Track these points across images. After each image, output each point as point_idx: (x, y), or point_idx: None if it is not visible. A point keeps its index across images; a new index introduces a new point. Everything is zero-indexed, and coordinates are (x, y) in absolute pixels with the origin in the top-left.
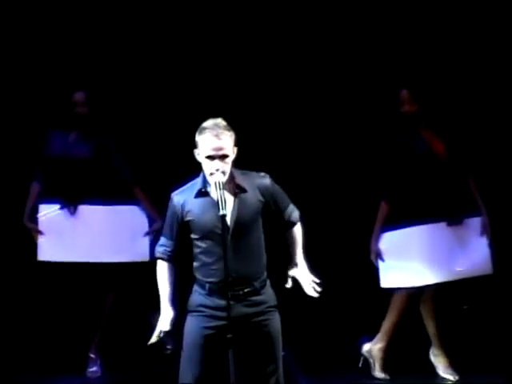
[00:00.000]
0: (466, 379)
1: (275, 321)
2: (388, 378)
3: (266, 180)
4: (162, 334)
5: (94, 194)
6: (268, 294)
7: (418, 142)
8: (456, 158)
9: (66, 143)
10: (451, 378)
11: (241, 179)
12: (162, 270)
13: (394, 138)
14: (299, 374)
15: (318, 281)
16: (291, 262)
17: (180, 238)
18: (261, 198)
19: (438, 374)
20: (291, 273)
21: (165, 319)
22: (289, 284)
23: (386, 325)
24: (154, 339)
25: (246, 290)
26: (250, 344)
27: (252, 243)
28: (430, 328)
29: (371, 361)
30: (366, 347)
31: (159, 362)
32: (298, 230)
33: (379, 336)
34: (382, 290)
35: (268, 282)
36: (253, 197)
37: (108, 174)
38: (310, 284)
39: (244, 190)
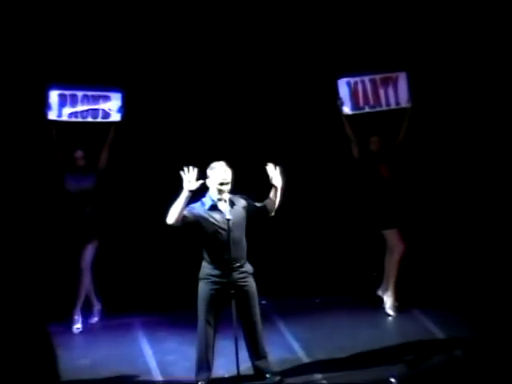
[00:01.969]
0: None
1: (252, 282)
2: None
3: (244, 197)
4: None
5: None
6: (248, 267)
7: (374, 168)
8: (396, 180)
9: (74, 180)
10: (392, 313)
11: (233, 198)
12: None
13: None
14: (276, 316)
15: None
16: (273, 188)
17: (191, 219)
18: (245, 208)
19: (384, 308)
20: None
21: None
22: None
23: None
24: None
25: (237, 265)
26: (239, 297)
27: (241, 236)
28: (392, 276)
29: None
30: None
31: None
32: (262, 202)
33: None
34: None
35: (246, 260)
36: (240, 208)
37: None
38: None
39: (235, 204)
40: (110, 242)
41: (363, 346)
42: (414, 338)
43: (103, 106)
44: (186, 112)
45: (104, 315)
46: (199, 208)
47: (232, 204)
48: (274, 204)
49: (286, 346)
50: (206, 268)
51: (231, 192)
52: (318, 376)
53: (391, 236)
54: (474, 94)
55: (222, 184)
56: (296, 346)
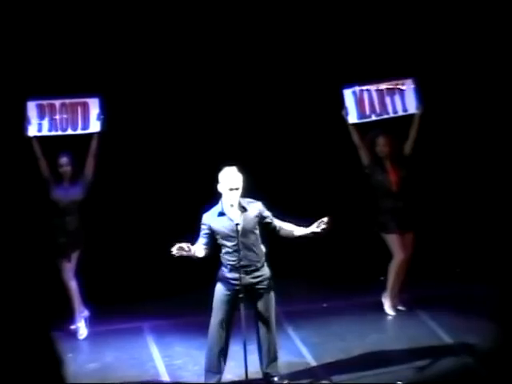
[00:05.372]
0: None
1: (269, 287)
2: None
3: (258, 204)
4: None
5: None
6: (265, 270)
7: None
8: (404, 186)
9: (62, 190)
10: (392, 313)
11: (244, 203)
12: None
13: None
14: (284, 320)
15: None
16: (306, 230)
17: (210, 239)
18: (257, 216)
19: (384, 309)
20: (312, 229)
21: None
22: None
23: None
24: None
25: (250, 269)
26: (255, 300)
27: (254, 241)
28: (397, 282)
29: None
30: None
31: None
32: (281, 223)
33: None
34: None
35: (266, 263)
36: (252, 214)
37: None
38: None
39: (246, 210)
40: (119, 246)
41: (370, 349)
42: (421, 342)
43: (81, 117)
44: (177, 117)
45: (91, 322)
46: (209, 218)
47: (243, 209)
48: (288, 237)
49: (294, 349)
50: (222, 270)
51: (247, 197)
52: (326, 380)
53: (391, 241)
54: (482, 99)
55: (231, 189)
56: (304, 349)
